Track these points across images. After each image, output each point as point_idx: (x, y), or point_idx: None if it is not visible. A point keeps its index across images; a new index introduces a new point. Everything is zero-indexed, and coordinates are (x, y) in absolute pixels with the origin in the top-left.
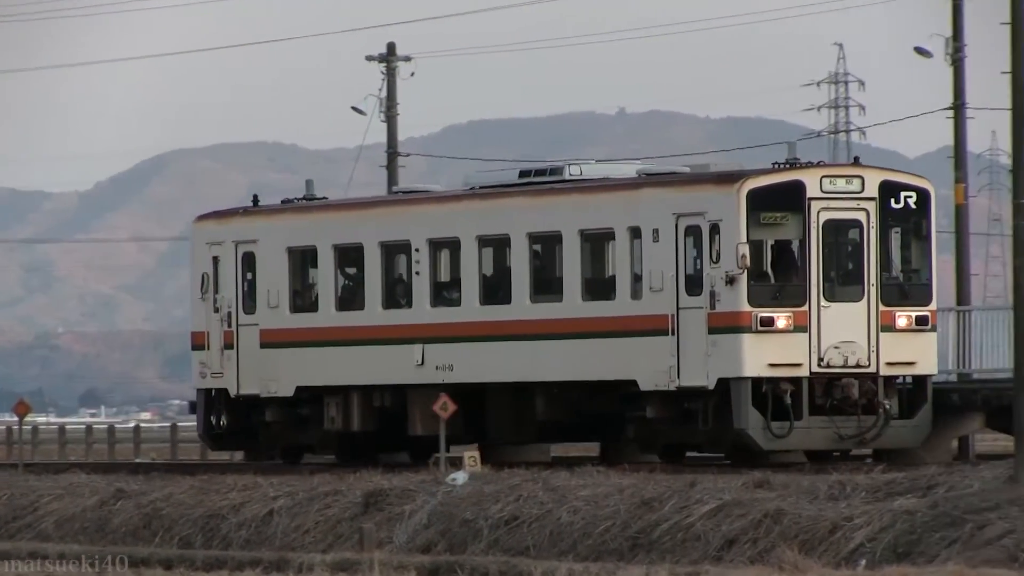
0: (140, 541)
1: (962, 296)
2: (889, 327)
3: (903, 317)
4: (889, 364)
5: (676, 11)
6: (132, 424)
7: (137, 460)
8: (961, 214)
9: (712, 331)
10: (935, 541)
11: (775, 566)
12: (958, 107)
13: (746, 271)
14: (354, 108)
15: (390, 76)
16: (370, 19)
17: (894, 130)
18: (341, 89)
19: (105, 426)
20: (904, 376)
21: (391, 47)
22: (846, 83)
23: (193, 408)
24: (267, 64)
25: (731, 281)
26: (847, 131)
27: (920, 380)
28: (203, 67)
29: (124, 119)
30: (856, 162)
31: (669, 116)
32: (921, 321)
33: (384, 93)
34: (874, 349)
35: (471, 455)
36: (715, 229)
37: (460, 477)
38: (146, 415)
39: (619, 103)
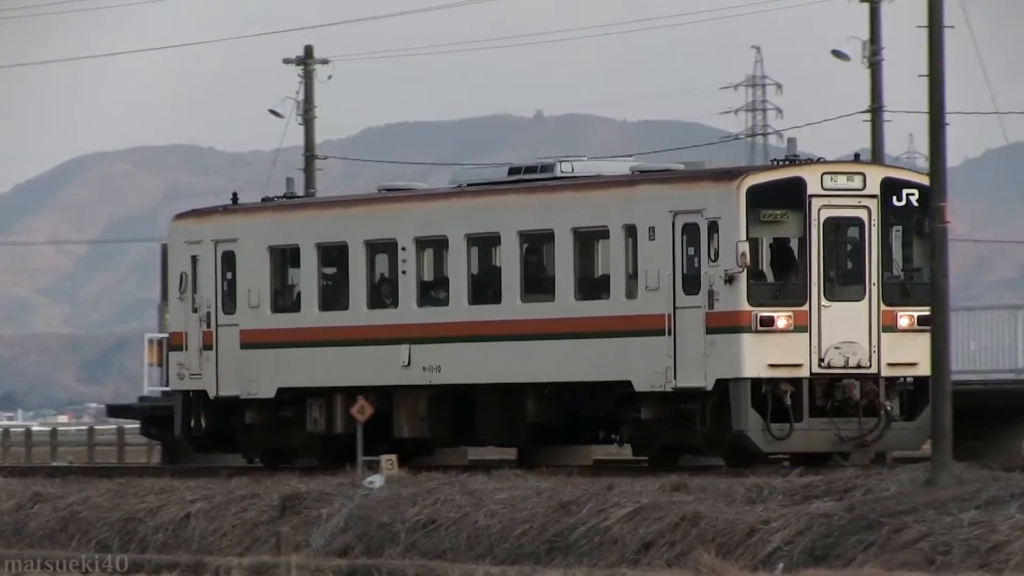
0: (57, 544)
1: None
2: (891, 327)
3: (905, 317)
4: (891, 365)
5: (593, 15)
6: (49, 427)
7: (54, 463)
8: None
9: (710, 331)
10: (852, 544)
11: (692, 569)
12: (876, 110)
13: (746, 270)
14: (271, 111)
15: (307, 79)
16: (287, 22)
17: (812, 133)
18: (259, 92)
19: (22, 429)
20: (904, 377)
21: (308, 50)
22: (763, 86)
23: (112, 412)
24: (185, 67)
25: (730, 280)
26: (764, 134)
27: (922, 381)
28: (120, 71)
29: (42, 123)
30: (857, 159)
31: (586, 119)
32: (923, 321)
33: (301, 96)
34: (875, 349)
35: (388, 459)
36: (714, 227)
37: (377, 481)
38: (63, 418)
39: (536, 106)
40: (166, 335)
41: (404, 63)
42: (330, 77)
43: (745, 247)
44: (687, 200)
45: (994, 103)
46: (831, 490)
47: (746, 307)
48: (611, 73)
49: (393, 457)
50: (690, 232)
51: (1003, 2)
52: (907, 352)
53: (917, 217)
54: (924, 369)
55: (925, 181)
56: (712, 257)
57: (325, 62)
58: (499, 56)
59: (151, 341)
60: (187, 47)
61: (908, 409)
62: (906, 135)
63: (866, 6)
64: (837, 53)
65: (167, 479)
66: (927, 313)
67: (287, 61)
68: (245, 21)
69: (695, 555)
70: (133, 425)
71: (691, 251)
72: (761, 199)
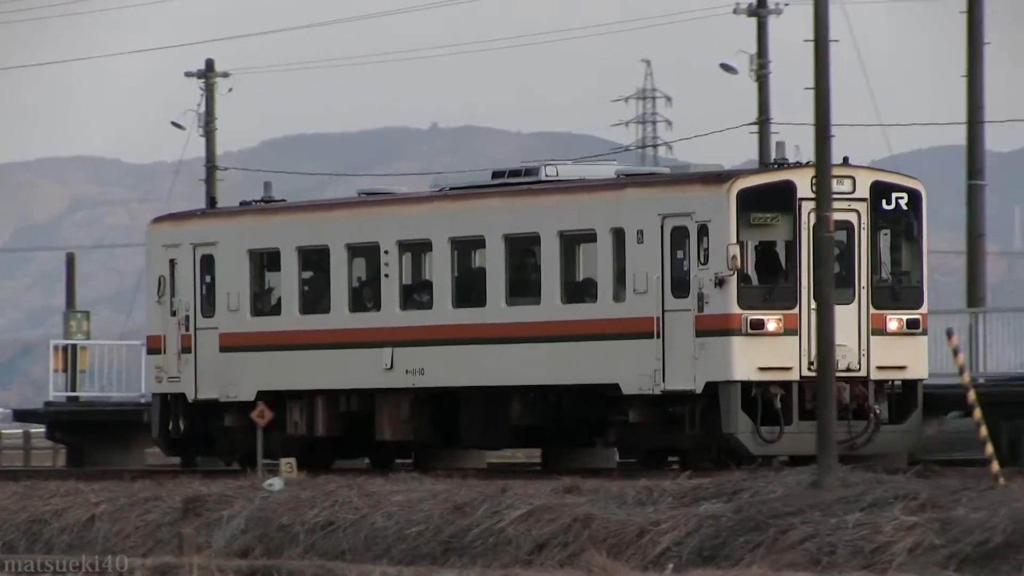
0: None
1: None
2: (880, 330)
3: (894, 320)
4: (880, 368)
5: (489, 29)
6: None
7: None
8: None
9: (700, 334)
10: (740, 545)
11: (584, 569)
12: (763, 122)
13: (736, 273)
14: (174, 123)
15: (209, 92)
16: (190, 36)
17: (700, 144)
18: (162, 104)
19: None
20: (892, 380)
21: (210, 64)
22: (653, 99)
23: (18, 416)
24: (90, 79)
25: (720, 283)
26: (654, 145)
27: (910, 385)
28: (25, 82)
29: None
30: (845, 162)
31: (482, 131)
32: (912, 324)
33: (203, 108)
34: (865, 353)
35: (287, 462)
36: (703, 230)
37: (277, 483)
38: None
39: (432, 118)
40: (72, 342)
41: (302, 76)
42: (231, 90)
43: (736, 250)
44: (676, 203)
45: (878, 115)
46: (720, 492)
47: (736, 310)
48: (506, 86)
49: (292, 460)
50: (679, 235)
51: (888, 17)
52: (896, 355)
53: (906, 221)
54: (912, 372)
55: (915, 185)
56: (702, 260)
57: (226, 75)
58: (395, 69)
59: (56, 348)
60: (93, 60)
61: (896, 412)
62: (792, 146)
63: (754, 20)
64: (725, 66)
65: (72, 482)
66: (916, 316)
67: (189, 75)
68: (150, 34)
69: (587, 556)
70: (39, 429)
71: (680, 254)
72: (751, 202)
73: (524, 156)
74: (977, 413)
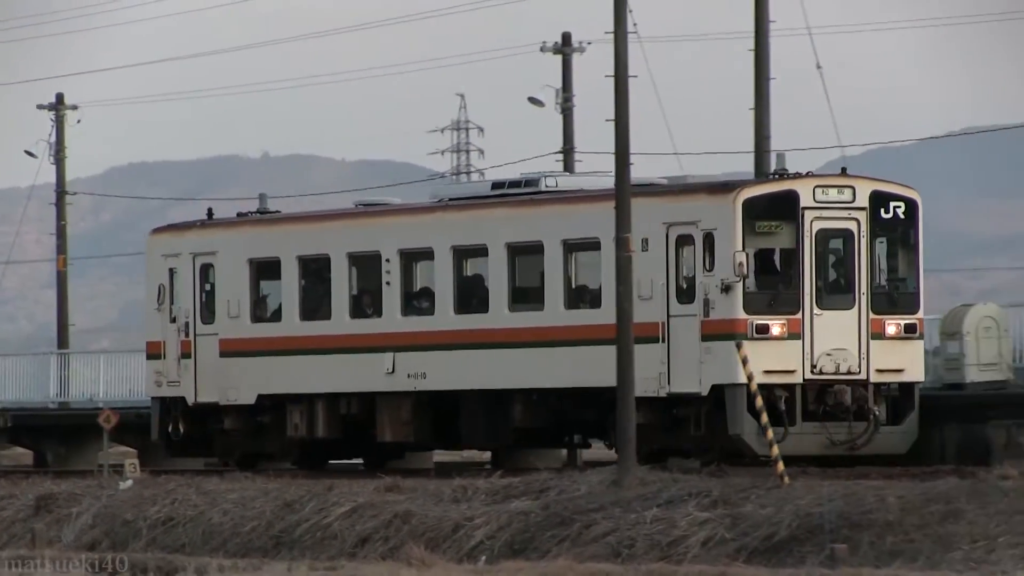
0: None
1: None
2: (879, 335)
3: (892, 325)
4: (879, 371)
5: (316, 65)
6: None
7: None
8: None
9: (706, 338)
10: (547, 539)
11: (404, 562)
12: (567, 151)
13: (742, 279)
14: (27, 152)
15: (59, 123)
16: (41, 71)
17: (510, 172)
18: (16, 134)
19: None
20: (889, 383)
21: (60, 97)
22: (467, 129)
23: None
24: None
25: (727, 289)
26: (468, 172)
27: (907, 387)
28: None
29: None
30: (843, 172)
31: (308, 159)
32: (909, 329)
33: (54, 138)
34: (864, 356)
35: (131, 462)
36: (709, 238)
37: (123, 482)
38: None
39: (263, 147)
40: None
41: (145, 108)
42: (79, 121)
43: (743, 257)
44: (682, 212)
45: (673, 145)
46: (528, 490)
47: (742, 315)
48: (331, 117)
49: (135, 460)
50: (684, 243)
51: (684, 54)
52: (894, 359)
53: (902, 229)
54: (910, 375)
55: (912, 194)
56: (707, 267)
57: (75, 108)
58: (230, 102)
59: None
60: None
61: (894, 414)
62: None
63: (559, 58)
64: (533, 100)
65: None
66: (913, 321)
67: (40, 107)
68: (3, 70)
69: (407, 549)
70: None
71: (685, 261)
72: (756, 211)
73: (348, 183)
74: (759, 401)
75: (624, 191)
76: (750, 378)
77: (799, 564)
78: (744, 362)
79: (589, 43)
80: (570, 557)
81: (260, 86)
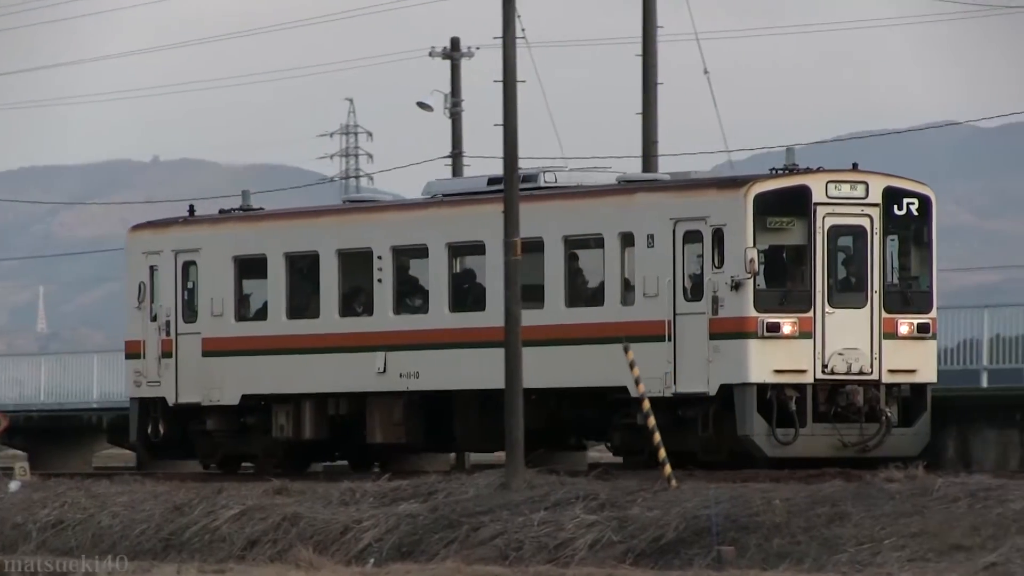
0: None
1: None
2: (891, 334)
3: (905, 324)
4: (891, 371)
5: (205, 70)
6: None
7: None
8: None
9: (714, 337)
10: (435, 541)
11: (292, 564)
12: (456, 155)
13: (753, 276)
14: None
15: None
16: None
17: (399, 176)
18: None
19: None
20: (900, 384)
21: None
22: (356, 134)
23: None
24: None
25: (737, 286)
26: (356, 176)
27: (919, 388)
28: None
29: None
30: (855, 168)
31: (198, 163)
32: (922, 328)
33: None
34: (876, 356)
35: (21, 465)
36: (718, 234)
37: (12, 485)
38: None
39: (153, 152)
40: None
41: (34, 113)
42: None
43: (754, 254)
44: (690, 208)
45: (561, 148)
46: (417, 493)
47: (753, 313)
48: (221, 122)
49: (26, 464)
50: (692, 239)
51: (573, 59)
52: (906, 359)
53: (915, 226)
54: (923, 376)
55: (926, 190)
56: (716, 264)
57: None
58: (120, 107)
59: None
60: None
61: (906, 415)
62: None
63: (448, 63)
64: (422, 104)
65: None
66: (926, 321)
67: None
68: None
69: (295, 551)
70: None
71: (693, 258)
72: (767, 206)
73: (238, 186)
74: (651, 421)
75: (512, 196)
76: (638, 382)
77: (686, 566)
78: (632, 366)
79: (478, 48)
80: (458, 559)
81: (150, 91)
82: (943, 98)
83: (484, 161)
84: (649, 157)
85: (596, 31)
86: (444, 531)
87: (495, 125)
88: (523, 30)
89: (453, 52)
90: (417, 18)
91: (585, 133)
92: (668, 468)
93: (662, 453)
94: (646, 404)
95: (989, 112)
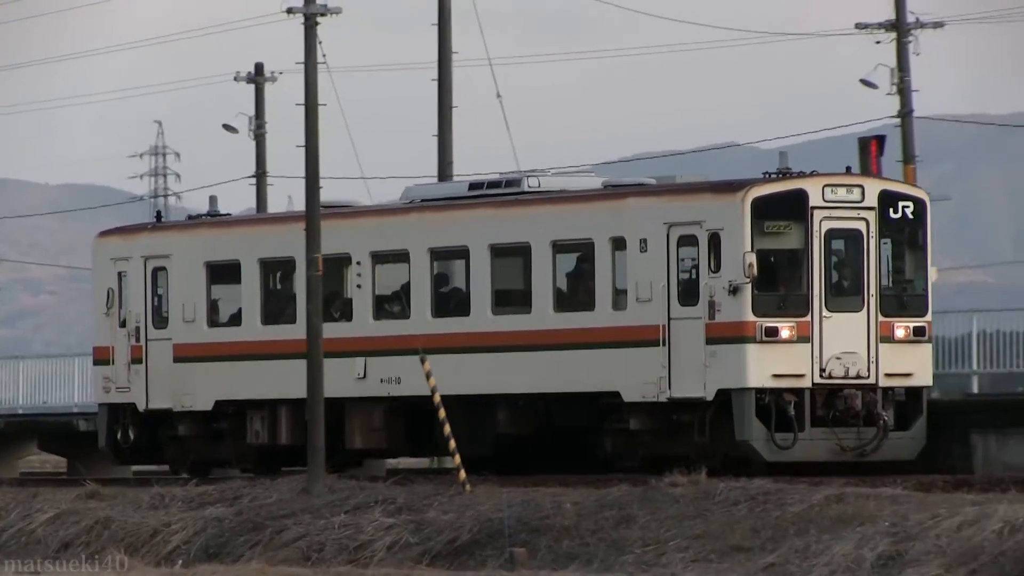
0: None
1: None
2: (888, 338)
3: (901, 328)
4: (888, 375)
5: (18, 90)
6: None
7: None
8: None
9: (711, 341)
10: (241, 543)
11: (105, 565)
12: (260, 175)
13: (752, 280)
14: None
15: None
16: None
17: (206, 194)
18: None
19: None
20: (894, 388)
21: None
22: (164, 155)
23: None
24: None
25: (735, 291)
26: (165, 196)
27: (915, 392)
28: None
29: None
30: (848, 171)
31: (14, 183)
32: (918, 332)
33: None
34: (873, 360)
35: None
36: (715, 238)
37: None
38: None
39: None
40: None
41: None
42: None
43: (752, 258)
44: (684, 212)
45: (360, 169)
46: (223, 497)
47: (751, 317)
48: (35, 141)
49: None
50: (687, 244)
51: (371, 84)
52: (903, 363)
53: (910, 229)
54: (919, 379)
55: (920, 194)
56: (712, 268)
57: None
58: None
59: None
60: None
61: (902, 419)
62: (286, 196)
63: (252, 87)
64: (227, 127)
65: None
66: (922, 324)
67: None
68: None
69: (108, 553)
70: None
71: (687, 262)
72: (765, 210)
73: (53, 205)
74: (441, 413)
75: (314, 214)
76: (433, 391)
77: (480, 567)
78: (428, 376)
79: (281, 73)
80: (262, 560)
81: None
82: (726, 121)
83: (288, 181)
84: (445, 177)
85: (395, 57)
86: (249, 534)
87: (298, 146)
88: (324, 55)
89: (257, 77)
90: (223, 45)
91: (384, 154)
92: (463, 473)
93: (457, 459)
94: (439, 409)
95: (768, 135)
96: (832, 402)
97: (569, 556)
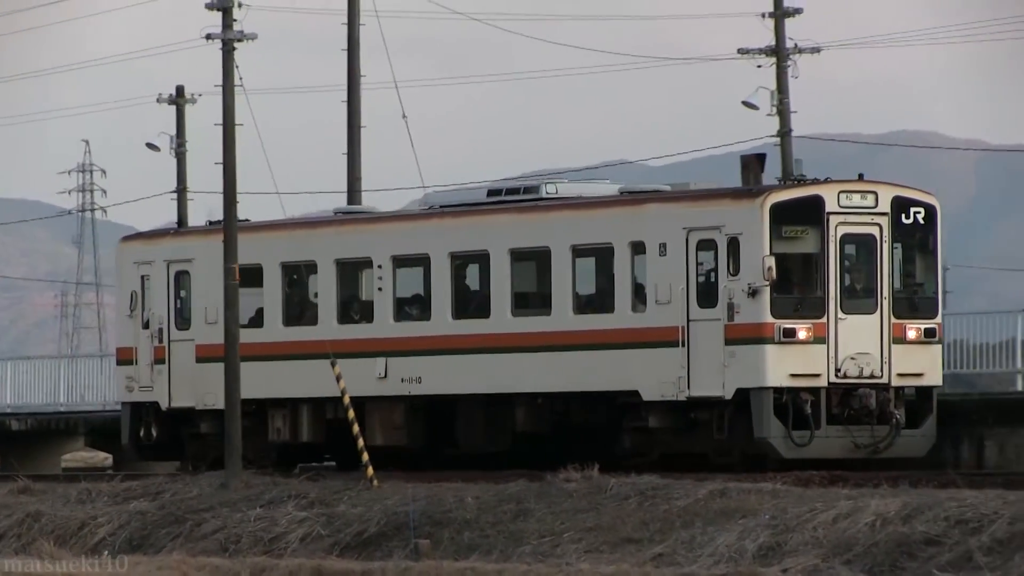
0: None
1: None
2: (900, 339)
3: (912, 330)
4: (900, 375)
5: None
6: None
7: None
8: None
9: (730, 342)
10: (162, 535)
11: (36, 556)
12: (180, 191)
13: (771, 283)
14: None
15: None
16: None
17: (130, 209)
18: None
19: None
20: (904, 387)
21: None
22: (91, 171)
23: None
24: None
25: (754, 293)
26: (92, 210)
27: (925, 391)
28: None
29: None
30: (860, 178)
31: None
32: (929, 333)
33: None
34: (887, 360)
35: None
36: (734, 243)
37: None
38: None
39: None
40: None
41: None
42: None
43: (772, 261)
44: (703, 217)
45: (275, 185)
46: (146, 492)
47: (770, 319)
48: None
49: None
50: (705, 248)
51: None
52: (914, 363)
53: (921, 234)
54: (929, 379)
55: (931, 200)
56: (732, 271)
57: None
58: None
59: None
60: None
61: (912, 418)
62: (207, 210)
63: (174, 108)
64: (150, 145)
65: None
66: (932, 326)
67: None
68: None
69: (38, 545)
70: None
71: (706, 266)
72: (783, 216)
73: None
74: (351, 413)
75: (231, 227)
76: (343, 393)
77: (387, 557)
78: (338, 379)
79: (201, 95)
80: (183, 552)
81: None
82: (617, 140)
83: (207, 196)
84: (353, 193)
85: (308, 80)
86: (170, 526)
87: (216, 163)
88: (241, 78)
89: (179, 98)
90: (148, 68)
91: (298, 171)
92: (371, 469)
93: (365, 456)
94: (349, 409)
95: (658, 153)
96: (847, 401)
97: (470, 547)
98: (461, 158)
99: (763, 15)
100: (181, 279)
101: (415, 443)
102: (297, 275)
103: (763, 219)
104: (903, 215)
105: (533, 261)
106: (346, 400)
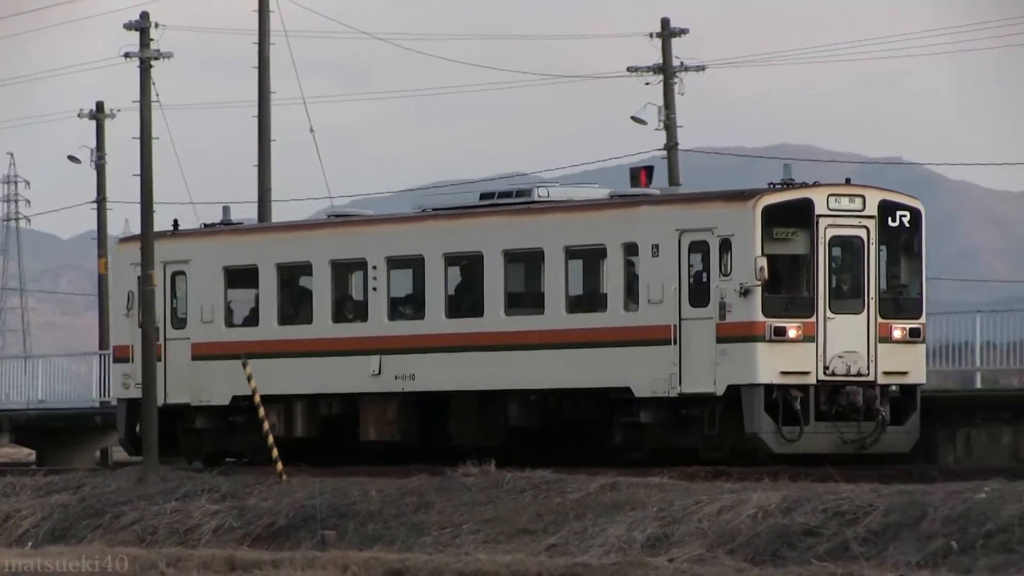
0: None
1: None
2: (886, 338)
3: (898, 329)
4: (885, 373)
5: None
6: None
7: None
8: (103, 282)
9: (721, 340)
10: (83, 527)
11: None
12: (100, 201)
13: (762, 283)
14: None
15: None
16: None
17: (53, 218)
18: None
19: None
20: (890, 385)
21: None
22: (16, 183)
23: None
24: None
25: (745, 293)
26: (16, 219)
27: (910, 389)
28: None
29: None
30: (848, 183)
31: None
32: (914, 333)
33: None
34: (873, 359)
35: None
36: (726, 244)
37: None
38: None
39: None
40: None
41: None
42: None
43: (764, 262)
44: (696, 219)
45: (189, 195)
46: (68, 486)
47: (761, 318)
48: None
49: None
50: (697, 249)
51: (201, 119)
52: (899, 361)
53: (906, 237)
54: (913, 377)
55: (916, 204)
56: (724, 272)
57: None
58: None
59: None
60: None
61: (897, 415)
62: (123, 219)
63: (94, 122)
64: (72, 158)
65: None
66: (917, 326)
67: None
68: None
69: None
70: None
71: (698, 266)
72: (774, 218)
73: None
74: (261, 412)
75: (148, 235)
76: (254, 392)
77: (295, 547)
78: (249, 379)
79: (120, 110)
80: (103, 542)
81: None
82: (512, 153)
83: (125, 205)
84: (264, 203)
85: (221, 96)
86: (90, 518)
87: (134, 175)
88: (158, 95)
89: (99, 114)
90: (68, 84)
91: (211, 182)
92: (280, 465)
93: (275, 452)
94: (259, 408)
95: (550, 165)
96: (835, 398)
97: (374, 538)
98: (365, 170)
99: (651, 35)
100: (177, 280)
101: (408, 439)
102: (292, 275)
103: (755, 221)
104: (889, 218)
105: (526, 262)
106: (256, 399)
